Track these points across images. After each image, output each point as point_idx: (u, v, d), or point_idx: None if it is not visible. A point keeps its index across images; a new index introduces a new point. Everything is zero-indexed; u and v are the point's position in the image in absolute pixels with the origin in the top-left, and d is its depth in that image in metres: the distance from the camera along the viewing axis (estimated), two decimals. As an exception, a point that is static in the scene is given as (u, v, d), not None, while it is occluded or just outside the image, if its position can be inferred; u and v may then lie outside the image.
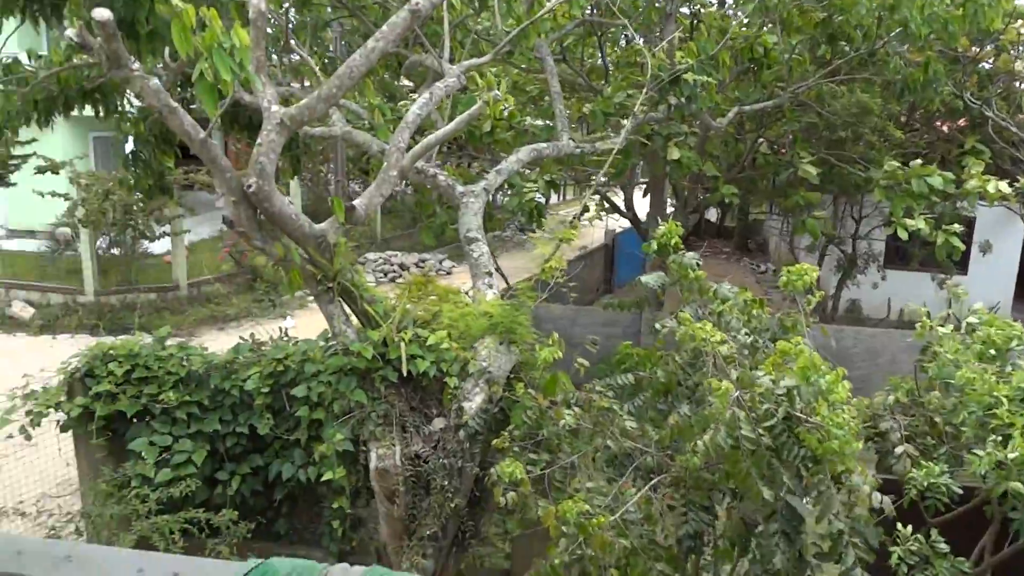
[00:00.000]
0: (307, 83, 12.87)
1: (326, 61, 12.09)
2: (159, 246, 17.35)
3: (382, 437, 6.04)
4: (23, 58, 7.89)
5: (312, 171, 22.49)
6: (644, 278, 5.54)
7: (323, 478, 6.39)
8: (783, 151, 13.73)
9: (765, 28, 10.62)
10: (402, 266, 21.40)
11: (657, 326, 5.41)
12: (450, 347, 6.14)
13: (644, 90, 8.36)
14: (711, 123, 10.47)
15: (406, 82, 13.44)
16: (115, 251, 16.93)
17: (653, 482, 4.93)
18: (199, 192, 20.43)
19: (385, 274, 20.87)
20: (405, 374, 6.24)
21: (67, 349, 13.36)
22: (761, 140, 13.58)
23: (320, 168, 23.25)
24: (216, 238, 20.30)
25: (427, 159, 7.78)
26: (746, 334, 5.14)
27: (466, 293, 7.71)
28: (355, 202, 5.95)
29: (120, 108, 8.37)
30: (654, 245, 5.58)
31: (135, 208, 15.97)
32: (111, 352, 6.97)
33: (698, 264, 5.64)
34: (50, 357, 11.55)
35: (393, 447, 5.96)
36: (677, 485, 5.03)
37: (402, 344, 6.22)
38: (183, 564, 1.05)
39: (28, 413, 6.65)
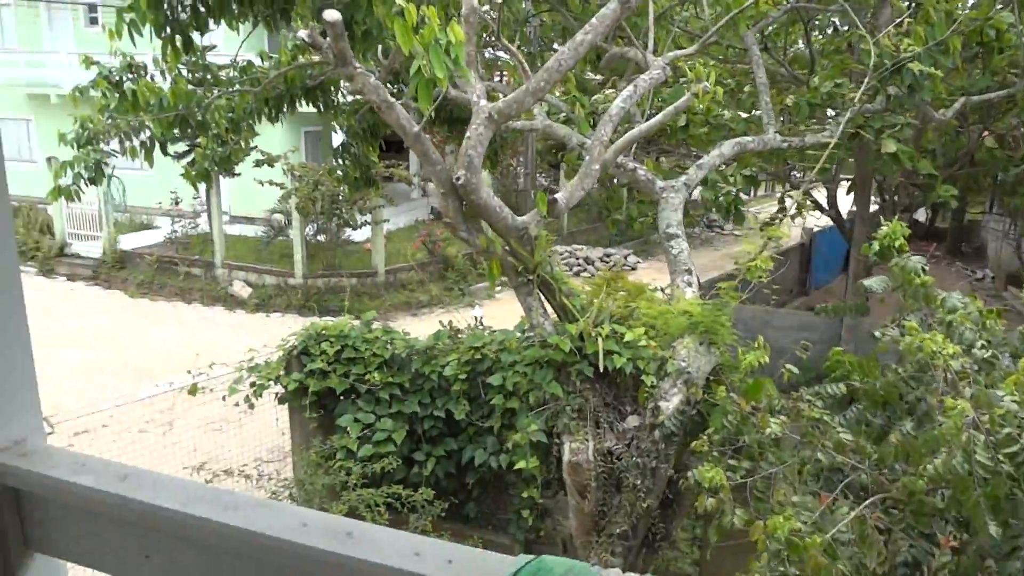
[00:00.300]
0: (498, 77, 13.13)
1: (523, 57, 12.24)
2: (360, 234, 18.40)
3: (576, 431, 6.04)
4: (251, 60, 8.59)
5: (503, 164, 22.96)
6: (867, 282, 5.14)
7: (515, 467, 6.48)
8: (1013, 145, 12.36)
9: (998, 8, 9.58)
10: (587, 260, 21.42)
11: (876, 334, 5.02)
12: (648, 345, 6.03)
13: (866, 79, 7.77)
14: (933, 115, 9.59)
15: (593, 75, 13.34)
16: (321, 238, 18.16)
17: (867, 503, 4.58)
18: (396, 184, 21.46)
19: (570, 268, 20.97)
20: (601, 369, 6.20)
21: (278, 326, 14.53)
22: (987, 133, 12.29)
23: (510, 162, 23.69)
24: (411, 227, 21.25)
25: (625, 153, 7.68)
26: (982, 347, 4.65)
27: (658, 290, 7.55)
28: (557, 195, 5.98)
29: (335, 104, 8.92)
30: (875, 246, 5.17)
31: (340, 198, 17.03)
32: (324, 332, 7.45)
33: (924, 269, 5.18)
34: (264, 333, 12.56)
35: (586, 442, 5.95)
36: (895, 507, 4.65)
37: (599, 339, 6.19)
38: (456, 552, 1.05)
39: (252, 385, 7.26)
